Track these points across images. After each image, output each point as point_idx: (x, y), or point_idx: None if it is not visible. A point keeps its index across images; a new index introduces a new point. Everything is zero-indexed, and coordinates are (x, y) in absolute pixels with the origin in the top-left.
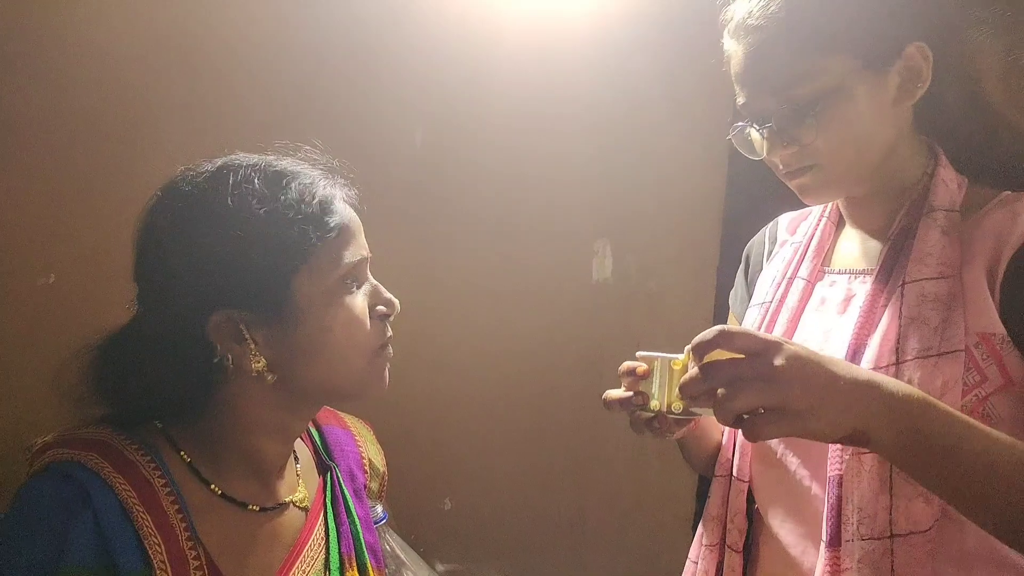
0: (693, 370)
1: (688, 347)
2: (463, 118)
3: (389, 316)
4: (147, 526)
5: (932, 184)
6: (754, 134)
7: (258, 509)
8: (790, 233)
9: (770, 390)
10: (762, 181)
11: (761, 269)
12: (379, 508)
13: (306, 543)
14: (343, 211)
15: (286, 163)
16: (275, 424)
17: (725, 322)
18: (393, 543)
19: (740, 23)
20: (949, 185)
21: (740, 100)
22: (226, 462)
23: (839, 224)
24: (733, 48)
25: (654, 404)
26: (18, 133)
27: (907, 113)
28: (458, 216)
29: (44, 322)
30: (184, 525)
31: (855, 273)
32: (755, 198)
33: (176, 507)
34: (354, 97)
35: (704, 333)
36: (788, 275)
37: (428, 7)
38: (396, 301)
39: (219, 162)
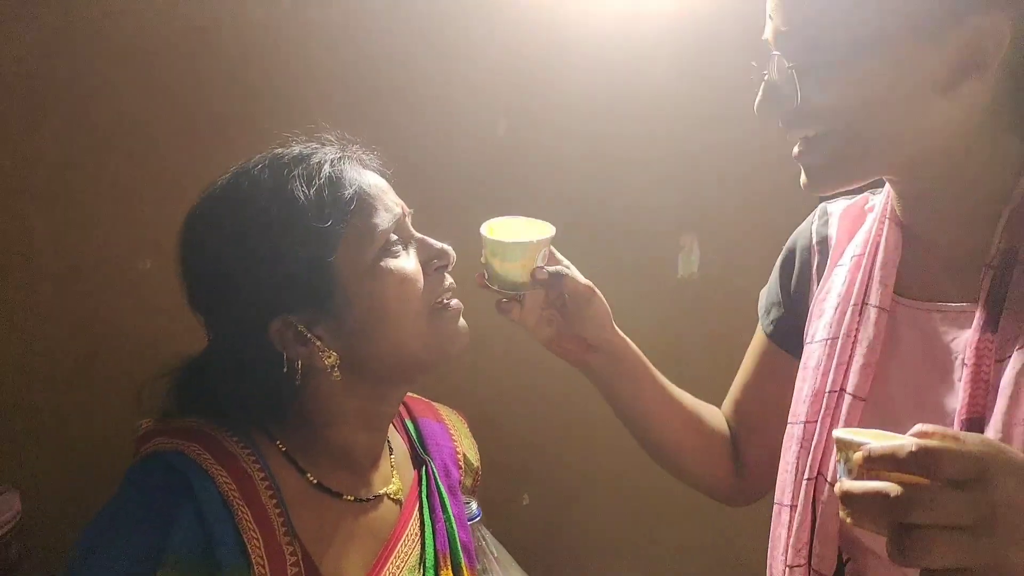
0: (869, 485)
1: (863, 453)
2: (545, 110)
3: (446, 266)
4: (246, 519)
5: None
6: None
7: (353, 499)
8: (847, 236)
9: (982, 548)
10: None
11: (809, 281)
12: (473, 505)
13: (400, 537)
14: (357, 178)
15: (294, 151)
16: (361, 414)
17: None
18: (487, 541)
19: None
20: None
21: (765, 33)
22: (320, 454)
23: (903, 228)
24: None
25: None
26: (121, 122)
27: (975, 100)
28: (540, 209)
29: (141, 306)
30: (282, 520)
31: (942, 308)
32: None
33: (274, 501)
34: (436, 85)
35: (896, 446)
36: (855, 301)
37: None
38: (448, 249)
39: (229, 175)
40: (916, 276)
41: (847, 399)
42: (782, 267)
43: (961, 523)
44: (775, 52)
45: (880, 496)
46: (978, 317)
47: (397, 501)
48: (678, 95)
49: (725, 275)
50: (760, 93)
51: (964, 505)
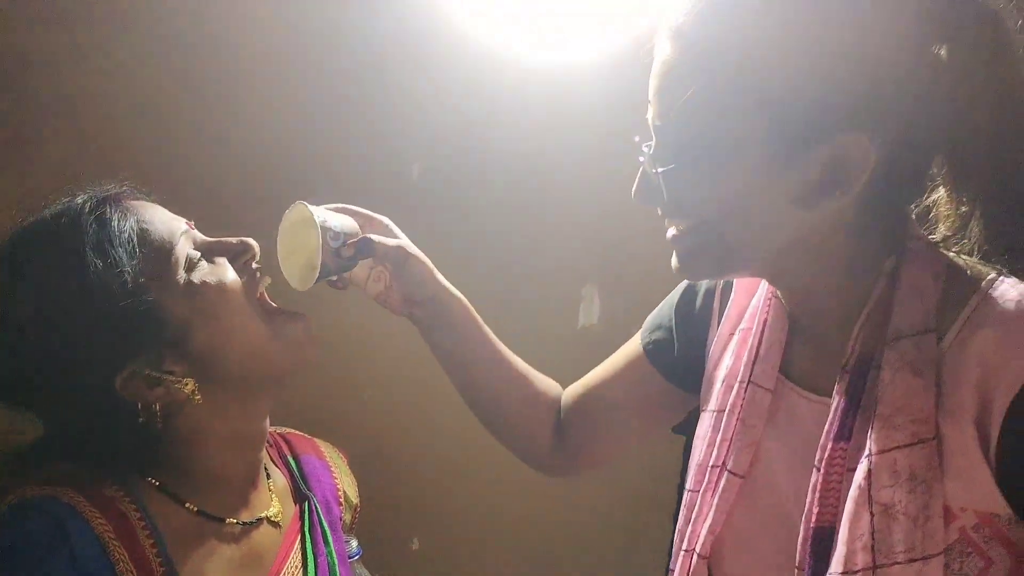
0: None
1: None
2: (459, 155)
3: (253, 258)
4: (124, 561)
5: (896, 294)
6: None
7: (235, 522)
8: (746, 295)
9: None
10: None
11: (709, 318)
12: (354, 543)
13: (283, 565)
14: (127, 213)
15: (51, 213)
16: (232, 436)
17: None
18: None
19: (669, 24)
20: (921, 289)
21: (648, 114)
22: (196, 482)
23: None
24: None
25: None
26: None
27: (837, 214)
28: (450, 249)
29: None
30: (160, 560)
31: (812, 399)
32: None
33: (151, 540)
34: (355, 122)
35: None
36: (740, 378)
37: (440, 38)
38: (248, 241)
39: (8, 250)
40: (797, 360)
41: (726, 475)
42: (682, 296)
43: None
44: (649, 143)
45: None
46: (830, 422)
47: (276, 524)
48: (587, 148)
49: (626, 326)
50: (636, 180)
51: None
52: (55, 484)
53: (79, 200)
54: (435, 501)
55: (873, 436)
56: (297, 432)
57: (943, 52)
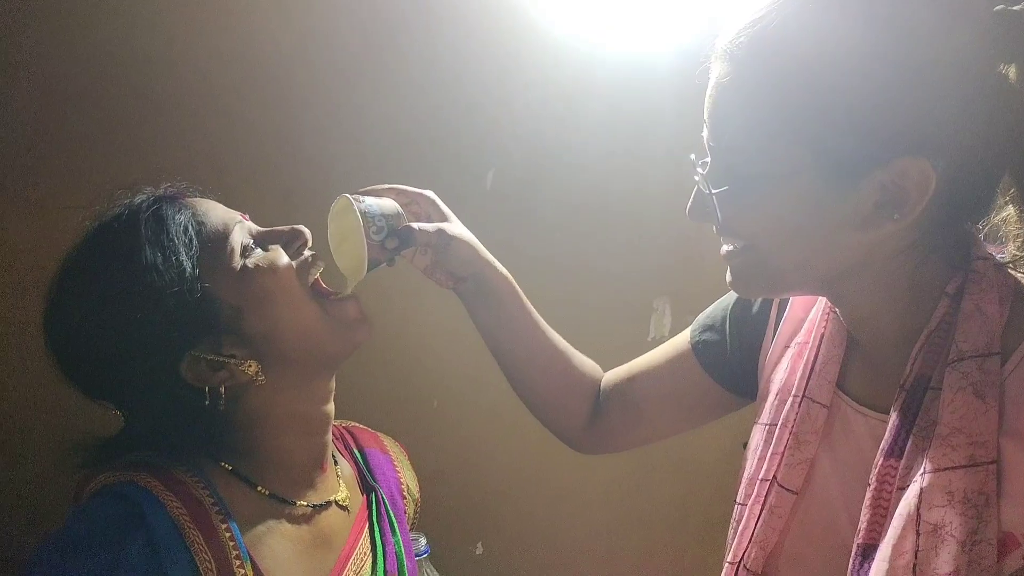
0: None
1: None
2: (532, 167)
3: (304, 244)
4: (198, 543)
5: (959, 315)
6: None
7: (306, 505)
8: (803, 311)
9: None
10: None
11: (764, 325)
12: (423, 540)
13: (354, 549)
14: (183, 207)
15: (115, 212)
16: (296, 418)
17: None
18: None
19: (725, 44)
20: (986, 311)
21: (704, 132)
22: (266, 465)
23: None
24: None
25: None
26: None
27: (896, 237)
28: (522, 255)
29: None
30: (233, 543)
31: (868, 415)
32: None
33: (225, 524)
34: (429, 132)
35: None
36: (795, 392)
37: (515, 47)
38: (300, 228)
39: (71, 264)
40: (854, 376)
41: (776, 488)
42: (738, 301)
43: None
44: (704, 160)
45: None
46: (885, 439)
47: (345, 508)
48: (667, 154)
49: None
50: (691, 199)
51: None
52: (131, 470)
53: (138, 200)
54: (501, 508)
55: (929, 455)
56: (360, 426)
57: (1011, 72)
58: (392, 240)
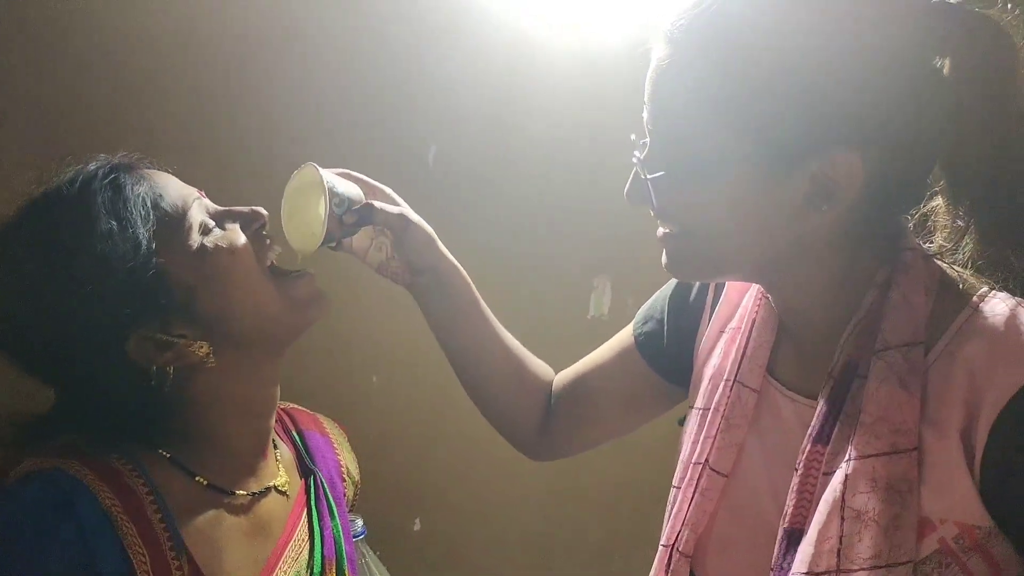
0: None
1: None
2: (474, 139)
3: (263, 226)
4: (131, 535)
5: (886, 305)
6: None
7: (245, 493)
8: (737, 295)
9: None
10: None
11: (701, 311)
12: (359, 522)
13: (291, 536)
14: (140, 178)
15: (66, 179)
16: (243, 401)
17: None
18: (369, 559)
19: (665, 26)
20: (912, 301)
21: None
22: (206, 453)
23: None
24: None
25: None
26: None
27: (825, 227)
28: (461, 236)
29: None
30: (168, 535)
31: (796, 400)
32: None
33: (159, 515)
34: (368, 104)
35: None
36: (727, 376)
37: (462, 22)
38: (258, 209)
39: (15, 229)
40: (784, 361)
41: (708, 471)
42: (676, 289)
43: None
44: (644, 141)
45: None
46: (813, 425)
47: (283, 493)
48: (606, 137)
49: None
50: (629, 182)
51: None
52: (62, 456)
53: (92, 167)
54: (438, 484)
55: (854, 442)
56: (300, 408)
57: (945, 66)
58: (351, 215)
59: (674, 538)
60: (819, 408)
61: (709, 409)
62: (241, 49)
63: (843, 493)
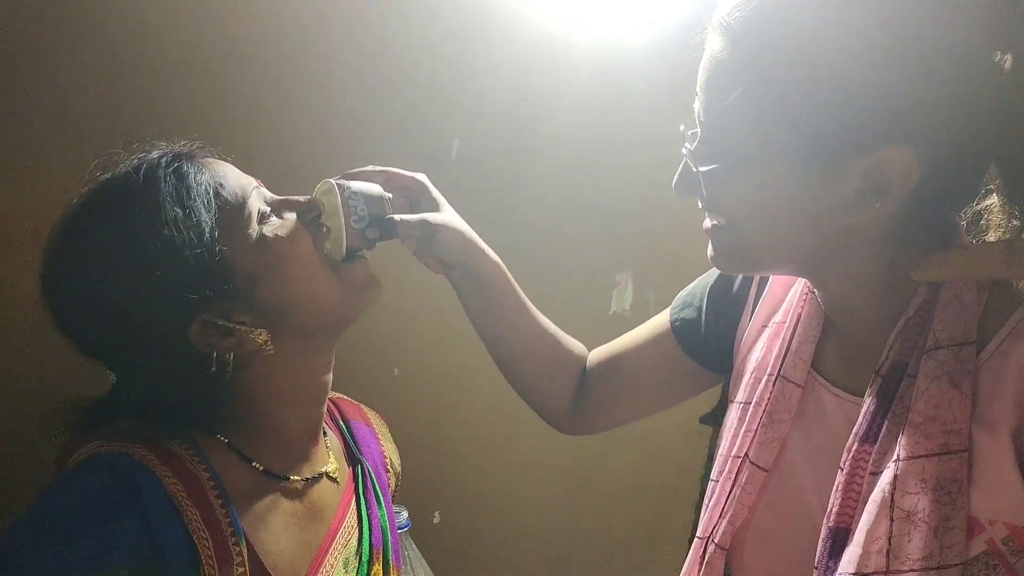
0: None
1: None
2: (499, 137)
3: (319, 215)
4: (195, 521)
5: (937, 301)
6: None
7: (299, 479)
8: (782, 291)
9: None
10: None
11: (744, 303)
12: (404, 514)
13: (342, 521)
14: (202, 166)
15: (131, 166)
16: (298, 388)
17: None
18: (410, 554)
19: (721, 17)
20: (964, 299)
21: (695, 104)
22: (261, 439)
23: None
24: (707, 43)
25: None
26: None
27: (876, 222)
28: (483, 232)
29: None
30: (228, 520)
31: (843, 396)
32: None
33: (220, 501)
34: (392, 100)
35: None
36: (770, 371)
37: (484, 22)
38: (315, 198)
39: (78, 214)
40: (829, 358)
41: (748, 465)
42: (719, 279)
43: None
44: (694, 131)
45: None
46: (860, 424)
47: (334, 480)
48: (632, 134)
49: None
50: (678, 173)
51: None
52: (128, 440)
53: (155, 155)
54: (459, 477)
55: (903, 442)
56: (345, 397)
57: (1007, 61)
58: (373, 230)
59: (710, 530)
60: (866, 406)
61: (750, 403)
62: (272, 47)
63: (892, 493)
